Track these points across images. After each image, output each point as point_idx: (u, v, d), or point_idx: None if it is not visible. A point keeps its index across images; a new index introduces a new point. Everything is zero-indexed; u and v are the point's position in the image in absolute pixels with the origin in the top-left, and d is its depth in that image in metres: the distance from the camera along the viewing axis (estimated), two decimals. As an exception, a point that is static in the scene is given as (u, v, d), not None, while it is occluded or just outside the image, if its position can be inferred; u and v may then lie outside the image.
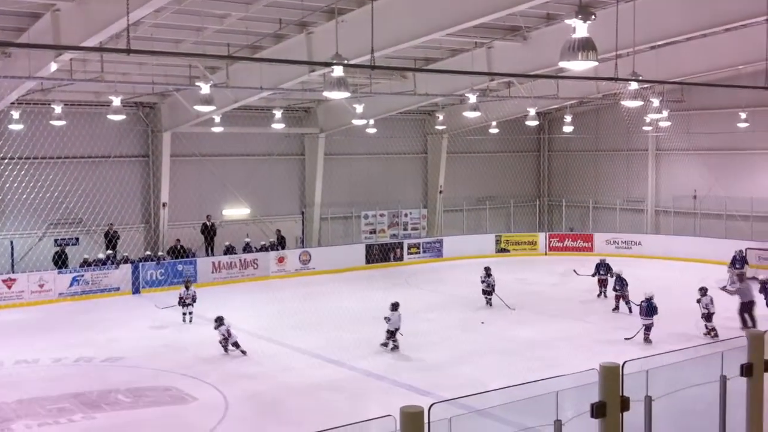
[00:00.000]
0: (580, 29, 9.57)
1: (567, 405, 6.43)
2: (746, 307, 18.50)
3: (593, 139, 35.83)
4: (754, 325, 18.02)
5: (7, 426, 12.91)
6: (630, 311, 20.61)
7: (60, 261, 24.62)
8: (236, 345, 17.33)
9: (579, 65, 10.43)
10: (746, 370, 5.72)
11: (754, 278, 23.83)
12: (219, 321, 17.44)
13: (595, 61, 10.30)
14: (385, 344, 17.49)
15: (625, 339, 18.01)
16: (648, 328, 17.95)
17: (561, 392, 6.35)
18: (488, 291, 22.36)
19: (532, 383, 6.39)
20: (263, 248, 28.58)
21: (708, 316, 18.23)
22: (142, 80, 22.54)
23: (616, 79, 15.31)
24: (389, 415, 4.37)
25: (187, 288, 20.80)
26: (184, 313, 20.58)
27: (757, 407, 5.66)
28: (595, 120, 35.48)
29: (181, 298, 20.69)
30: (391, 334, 17.48)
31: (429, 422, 4.00)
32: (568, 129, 32.37)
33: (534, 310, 21.73)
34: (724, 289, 19.89)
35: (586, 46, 10.07)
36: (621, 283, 21.20)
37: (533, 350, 17.40)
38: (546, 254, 32.78)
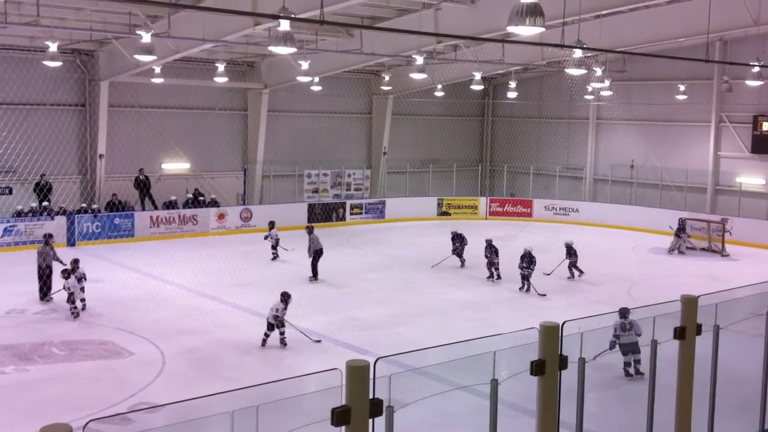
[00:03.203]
0: (529, -6, 9.59)
1: (503, 365, 6.53)
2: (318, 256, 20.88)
3: (536, 105, 36.17)
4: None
5: (-66, 378, 12.56)
6: (498, 278, 20.93)
7: (-10, 210, 23.79)
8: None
9: (526, 30, 10.51)
10: (679, 333, 5.94)
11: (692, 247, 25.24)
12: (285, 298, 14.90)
13: (542, 27, 10.38)
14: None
15: (545, 274, 20.55)
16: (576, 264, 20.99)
17: (498, 352, 6.45)
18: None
19: (470, 341, 6.46)
20: (193, 203, 28.14)
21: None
22: (79, 26, 21.76)
23: (562, 46, 15.48)
24: (335, 369, 4.38)
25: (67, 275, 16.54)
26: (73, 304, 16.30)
27: (688, 369, 5.89)
28: (538, 87, 35.80)
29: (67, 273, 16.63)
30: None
31: (374, 377, 4.04)
32: (512, 95, 32.62)
33: (470, 274, 21.98)
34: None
35: (534, 12, 10.13)
36: (491, 250, 21.21)
37: (470, 311, 17.68)
38: (486, 218, 33.19)
